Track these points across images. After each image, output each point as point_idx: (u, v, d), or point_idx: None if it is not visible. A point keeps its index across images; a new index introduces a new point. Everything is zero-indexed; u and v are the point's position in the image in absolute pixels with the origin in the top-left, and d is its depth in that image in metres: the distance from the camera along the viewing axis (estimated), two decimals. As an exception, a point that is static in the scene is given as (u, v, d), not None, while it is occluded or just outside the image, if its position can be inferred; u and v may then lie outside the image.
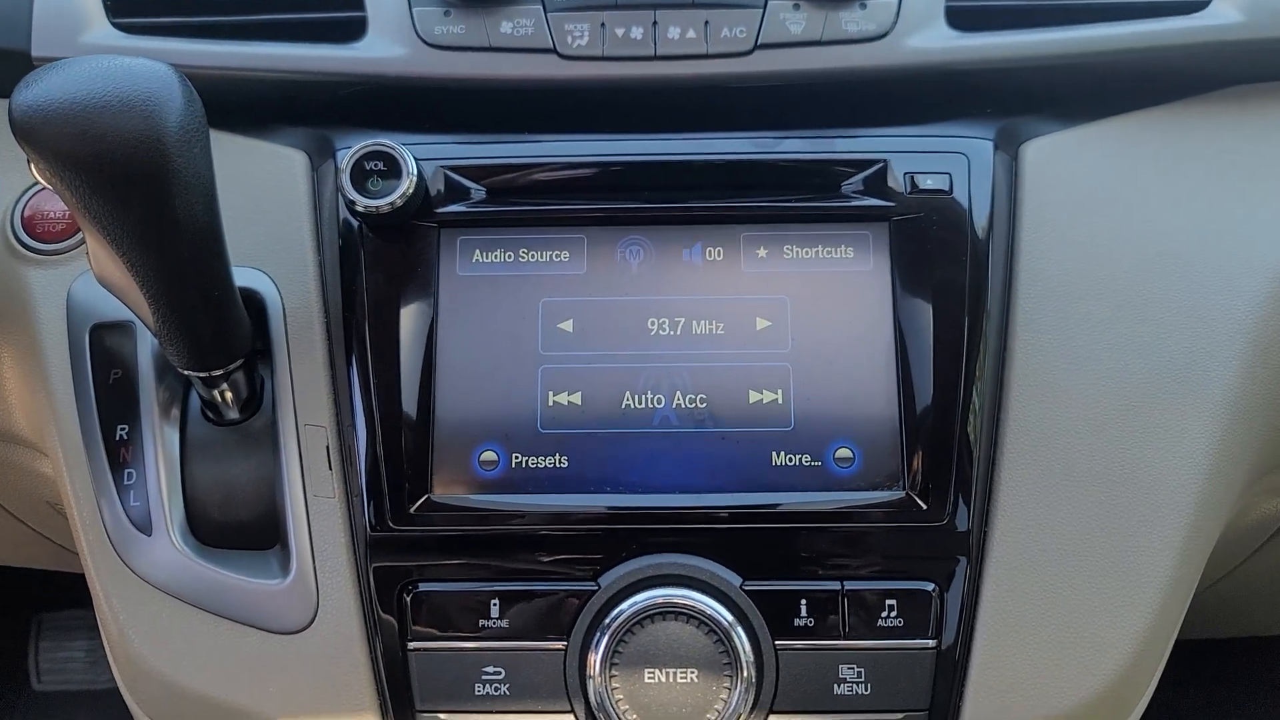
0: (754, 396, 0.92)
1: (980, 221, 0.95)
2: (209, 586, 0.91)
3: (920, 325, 0.92)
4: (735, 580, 0.90)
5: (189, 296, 0.80)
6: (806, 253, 0.95)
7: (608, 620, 0.89)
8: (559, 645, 0.90)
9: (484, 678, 0.91)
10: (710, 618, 0.89)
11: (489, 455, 0.91)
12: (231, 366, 0.88)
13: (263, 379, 0.95)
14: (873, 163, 0.96)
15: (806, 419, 0.91)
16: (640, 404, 0.92)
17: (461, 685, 0.91)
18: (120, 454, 0.93)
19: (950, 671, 0.90)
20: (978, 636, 0.90)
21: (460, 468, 0.91)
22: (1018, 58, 0.99)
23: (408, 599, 0.91)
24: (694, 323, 0.94)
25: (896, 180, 0.96)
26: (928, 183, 0.95)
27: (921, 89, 1.00)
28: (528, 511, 0.90)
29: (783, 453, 0.91)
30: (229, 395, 0.91)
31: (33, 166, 0.72)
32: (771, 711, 0.90)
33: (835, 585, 0.91)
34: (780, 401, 0.92)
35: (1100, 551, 0.90)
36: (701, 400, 0.92)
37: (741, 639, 0.89)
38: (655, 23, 0.98)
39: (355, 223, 0.95)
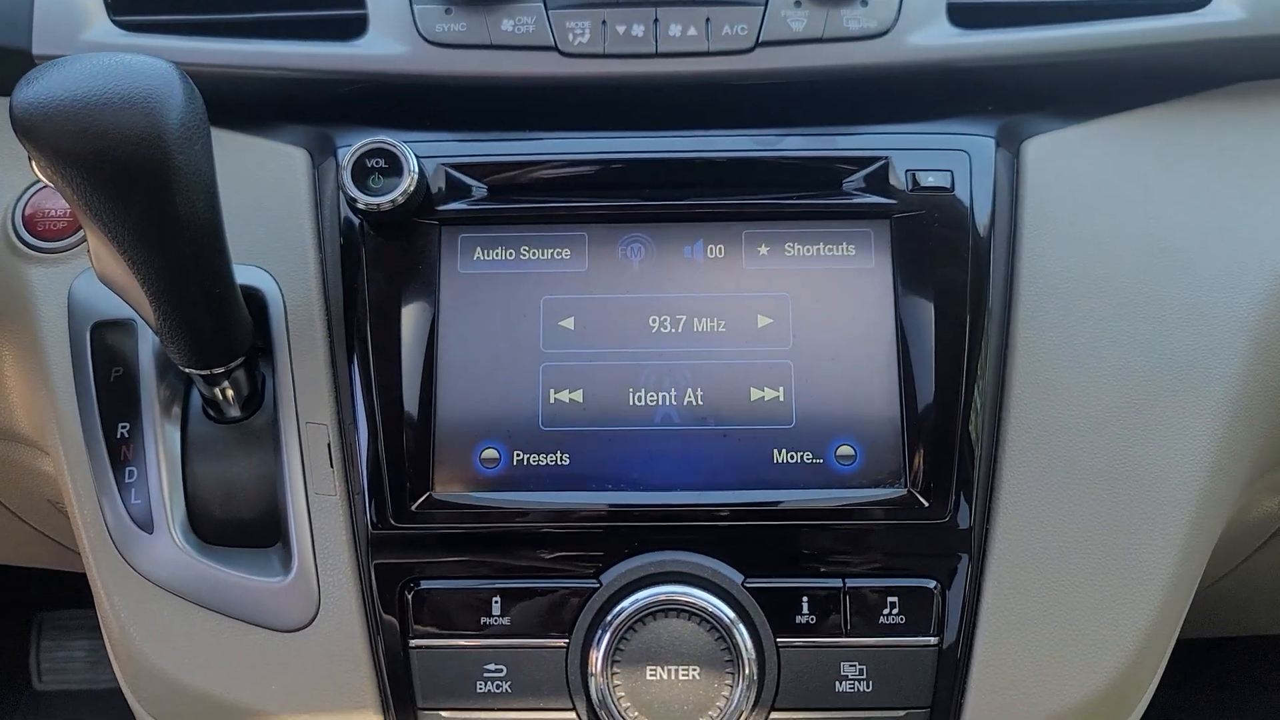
0: (755, 394, 0.92)
1: (982, 219, 0.95)
2: (210, 584, 0.91)
3: (922, 322, 0.92)
4: (737, 577, 0.90)
5: (190, 294, 0.80)
6: (808, 250, 0.95)
7: (609, 618, 0.89)
8: (561, 643, 0.90)
9: (485, 675, 0.91)
10: (712, 615, 0.89)
11: (490, 453, 0.91)
12: (233, 364, 0.88)
13: (264, 377, 0.95)
14: (874, 160, 0.96)
15: (808, 416, 0.91)
16: (641, 402, 0.92)
17: (463, 683, 0.91)
18: (121, 452, 0.93)
19: (952, 669, 0.90)
20: (979, 634, 0.90)
21: (462, 465, 0.91)
22: (1019, 55, 0.99)
23: (409, 597, 0.91)
24: (695, 320, 0.94)
25: (898, 178, 0.95)
26: (929, 180, 0.95)
27: (923, 86, 1.00)
28: (529, 509, 0.90)
29: (784, 450, 0.91)
30: (230, 393, 0.91)
31: (34, 164, 0.72)
32: (773, 709, 0.90)
33: (837, 583, 0.91)
34: (782, 399, 0.91)
35: (1102, 549, 0.90)
36: (703, 398, 0.92)
37: (743, 636, 0.89)
38: (656, 20, 0.98)
39: (356, 220, 0.95)
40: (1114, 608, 0.90)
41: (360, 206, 0.92)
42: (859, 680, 0.90)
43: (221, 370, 0.88)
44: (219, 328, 0.85)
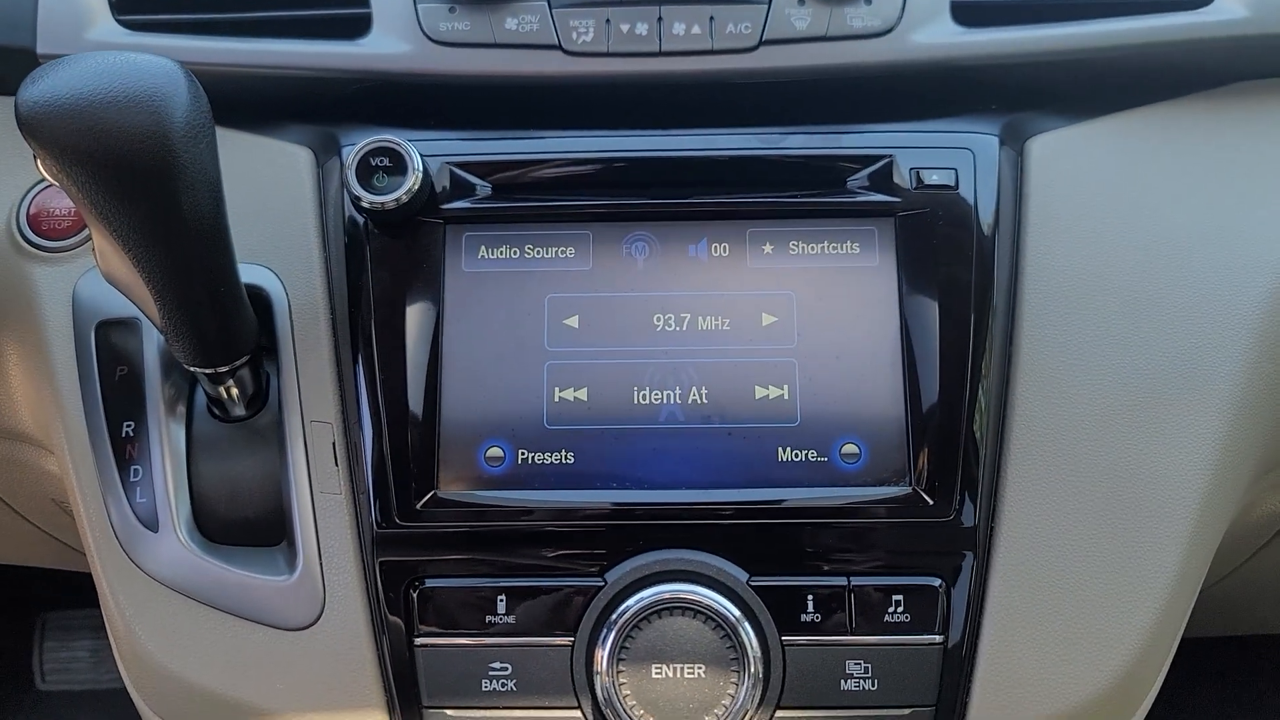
0: (760, 392, 0.92)
1: (986, 217, 0.95)
2: (215, 583, 0.91)
3: (926, 320, 0.92)
4: (742, 576, 0.90)
5: (195, 293, 0.80)
6: (812, 248, 0.95)
7: (614, 616, 0.89)
8: (566, 641, 0.90)
9: (491, 673, 0.91)
10: (717, 613, 0.89)
11: (495, 451, 0.91)
12: (237, 363, 0.88)
13: (268, 375, 0.95)
14: (878, 158, 0.96)
15: (812, 414, 0.91)
16: (646, 400, 0.92)
17: (468, 681, 0.91)
18: (126, 451, 0.93)
19: (957, 667, 0.90)
20: (984, 632, 0.90)
21: (466, 464, 0.91)
22: (1023, 53, 0.99)
23: (414, 595, 0.91)
24: (700, 318, 0.94)
25: (902, 176, 0.95)
26: (933, 178, 0.95)
27: (927, 84, 1.00)
28: (534, 507, 0.90)
29: (789, 448, 0.91)
30: (235, 392, 0.91)
31: (39, 162, 0.72)
32: (778, 707, 0.90)
33: (842, 581, 0.91)
34: (786, 397, 0.91)
35: (1106, 547, 0.90)
36: (707, 396, 0.92)
37: (748, 634, 0.89)
38: (660, 19, 0.98)
39: (361, 219, 0.95)
40: (1119, 605, 0.90)
41: (365, 205, 0.92)
42: (864, 678, 0.90)
43: (226, 369, 0.88)
44: (224, 326, 0.85)
